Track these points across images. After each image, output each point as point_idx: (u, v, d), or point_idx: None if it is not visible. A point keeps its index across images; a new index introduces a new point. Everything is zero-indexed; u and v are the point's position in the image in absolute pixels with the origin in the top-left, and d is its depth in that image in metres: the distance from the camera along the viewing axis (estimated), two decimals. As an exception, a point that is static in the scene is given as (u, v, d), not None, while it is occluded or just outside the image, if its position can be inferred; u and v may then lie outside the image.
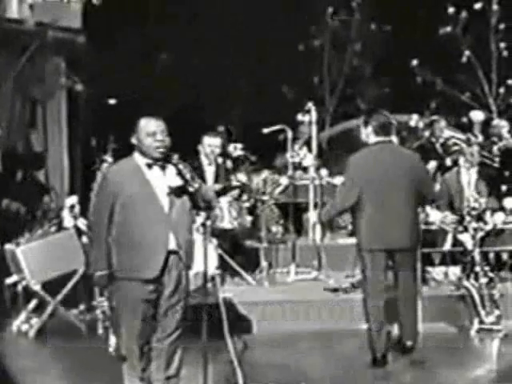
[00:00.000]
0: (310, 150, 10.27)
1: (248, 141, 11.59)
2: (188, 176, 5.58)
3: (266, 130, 10.15)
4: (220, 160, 9.76)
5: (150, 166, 5.65)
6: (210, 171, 9.69)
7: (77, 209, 8.72)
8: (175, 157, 5.72)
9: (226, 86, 14.01)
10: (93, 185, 8.67)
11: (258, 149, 11.45)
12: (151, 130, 5.63)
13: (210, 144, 9.68)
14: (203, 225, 5.53)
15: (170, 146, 5.70)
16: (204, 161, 9.67)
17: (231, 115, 13.63)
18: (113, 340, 7.47)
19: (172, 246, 5.61)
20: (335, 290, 8.88)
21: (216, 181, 9.71)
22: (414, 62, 13.38)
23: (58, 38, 11.71)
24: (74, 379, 6.66)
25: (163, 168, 5.63)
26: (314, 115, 10.04)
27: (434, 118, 11.90)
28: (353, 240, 9.94)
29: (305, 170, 10.22)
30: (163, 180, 5.64)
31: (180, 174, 5.59)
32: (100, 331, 8.07)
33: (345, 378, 6.81)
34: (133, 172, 5.66)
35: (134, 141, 5.70)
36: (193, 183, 5.58)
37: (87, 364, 7.15)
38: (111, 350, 7.41)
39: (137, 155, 5.71)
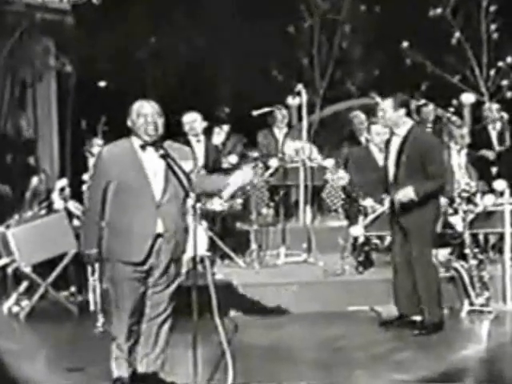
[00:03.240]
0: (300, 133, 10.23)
1: (238, 124, 11.58)
2: (178, 161, 5.60)
3: (255, 113, 10.11)
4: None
5: (143, 147, 5.65)
6: (199, 149, 9.73)
7: (67, 191, 8.72)
8: (168, 142, 5.75)
9: (215, 68, 13.96)
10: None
11: (248, 132, 11.45)
12: (143, 112, 5.63)
13: (186, 121, 9.86)
14: (193, 207, 5.52)
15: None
16: (192, 139, 9.76)
17: (220, 98, 13.58)
18: (101, 319, 7.53)
19: (160, 229, 5.62)
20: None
21: (206, 160, 9.76)
22: (404, 44, 13.32)
23: (47, 19, 11.65)
24: (64, 361, 6.65)
25: (157, 150, 5.62)
26: (304, 97, 10.00)
27: (422, 102, 11.88)
28: (343, 222, 10.00)
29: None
30: (157, 162, 5.63)
31: (165, 159, 5.59)
32: (91, 309, 8.09)
33: (332, 360, 6.82)
34: (127, 155, 5.66)
35: (128, 123, 5.70)
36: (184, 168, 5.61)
37: (77, 345, 7.17)
38: (100, 329, 7.46)
39: (133, 138, 5.70)
